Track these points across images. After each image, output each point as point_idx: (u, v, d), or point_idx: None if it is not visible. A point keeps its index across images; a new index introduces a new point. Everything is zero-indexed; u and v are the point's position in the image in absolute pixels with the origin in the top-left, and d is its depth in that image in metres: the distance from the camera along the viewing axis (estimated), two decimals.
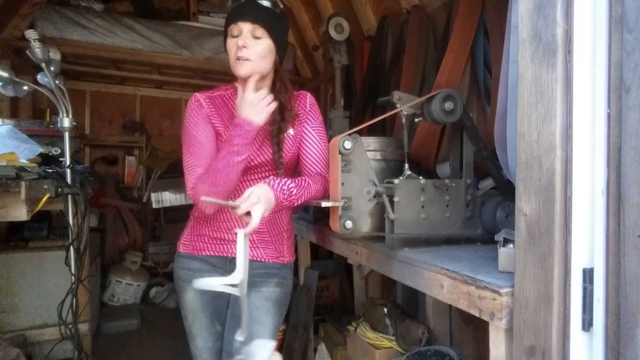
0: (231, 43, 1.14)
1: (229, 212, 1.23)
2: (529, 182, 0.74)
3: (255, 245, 1.25)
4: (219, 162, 1.09)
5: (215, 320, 1.27)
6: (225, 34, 1.17)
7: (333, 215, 1.15)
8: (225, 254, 1.26)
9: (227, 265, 1.26)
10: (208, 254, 1.26)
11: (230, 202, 1.00)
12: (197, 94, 1.23)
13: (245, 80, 1.14)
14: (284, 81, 1.22)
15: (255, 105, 1.10)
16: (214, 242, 1.26)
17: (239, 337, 0.97)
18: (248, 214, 0.99)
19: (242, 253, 0.92)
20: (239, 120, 1.10)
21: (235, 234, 1.24)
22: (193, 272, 1.25)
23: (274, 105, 1.13)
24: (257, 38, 1.13)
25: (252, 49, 1.12)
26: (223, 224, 1.25)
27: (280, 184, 1.09)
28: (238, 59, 1.12)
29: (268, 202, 1.03)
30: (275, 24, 1.15)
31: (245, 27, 1.12)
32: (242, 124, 1.09)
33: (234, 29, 1.13)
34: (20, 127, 1.99)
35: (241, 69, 1.13)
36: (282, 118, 1.19)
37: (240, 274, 0.91)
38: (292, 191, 1.11)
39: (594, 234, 0.67)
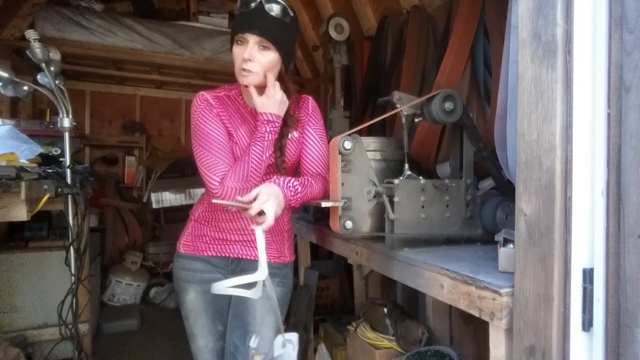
0: (237, 52, 1.13)
1: (231, 212, 1.23)
2: (529, 182, 0.74)
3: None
4: (253, 158, 1.10)
5: (216, 320, 1.28)
6: (232, 38, 1.16)
7: (333, 216, 1.15)
8: (227, 254, 1.26)
9: (228, 265, 1.27)
10: (210, 254, 1.26)
11: (243, 200, 1.00)
12: (203, 92, 1.21)
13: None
14: (287, 87, 1.21)
15: (281, 100, 1.13)
16: (216, 243, 1.26)
17: (252, 343, 0.97)
18: (260, 213, 0.99)
19: (263, 249, 0.92)
20: (268, 117, 1.12)
21: (243, 234, 1.23)
22: (194, 273, 1.25)
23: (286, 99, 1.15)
24: (263, 50, 1.11)
25: (257, 62, 1.11)
26: (225, 224, 1.25)
27: (286, 182, 1.11)
28: (243, 70, 1.11)
29: (277, 199, 1.04)
30: (283, 35, 1.13)
31: (251, 39, 1.10)
32: (274, 120, 1.12)
33: (240, 38, 1.11)
34: (20, 127, 1.99)
35: (244, 80, 1.13)
36: (284, 123, 1.19)
37: (264, 270, 0.90)
38: (297, 189, 1.12)
39: (594, 234, 0.67)
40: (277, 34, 1.11)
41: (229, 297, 1.28)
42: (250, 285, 0.92)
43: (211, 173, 1.12)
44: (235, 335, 1.23)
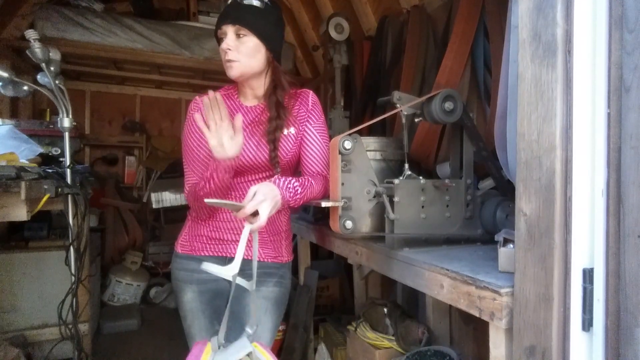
0: (220, 47, 1.16)
1: (228, 212, 1.23)
2: (529, 182, 0.74)
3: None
4: (203, 192, 1.11)
5: (214, 321, 1.26)
6: (217, 40, 1.19)
7: (333, 215, 1.15)
8: (224, 254, 1.25)
9: (225, 265, 1.25)
10: (207, 254, 1.25)
11: (236, 203, 0.99)
12: (197, 97, 1.23)
13: (235, 78, 1.17)
14: (280, 79, 1.22)
15: (230, 142, 1.03)
16: (213, 243, 1.25)
17: (250, 329, 0.98)
18: (255, 213, 0.97)
19: (242, 247, 0.91)
20: (224, 164, 1.06)
21: (240, 233, 1.20)
22: (191, 273, 1.25)
23: (239, 122, 1.04)
24: (240, 38, 1.13)
25: (236, 50, 1.13)
26: (222, 223, 1.24)
27: (286, 183, 1.09)
28: (227, 61, 1.14)
29: (274, 200, 1.02)
30: (258, 20, 1.14)
31: (228, 30, 1.13)
32: (225, 166, 1.06)
33: (220, 33, 1.15)
34: (20, 127, 1.99)
35: (230, 72, 1.15)
36: (277, 116, 1.18)
37: (236, 267, 0.90)
38: (298, 190, 1.11)
39: (594, 234, 0.67)
40: (251, 19, 1.13)
41: (227, 298, 1.27)
42: (247, 278, 0.96)
43: (185, 180, 1.23)
44: (231, 335, 1.21)
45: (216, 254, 1.25)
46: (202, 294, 1.25)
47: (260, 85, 1.22)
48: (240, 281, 0.94)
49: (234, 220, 1.23)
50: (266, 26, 1.16)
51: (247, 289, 0.97)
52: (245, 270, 1.14)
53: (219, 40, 1.17)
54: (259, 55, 1.16)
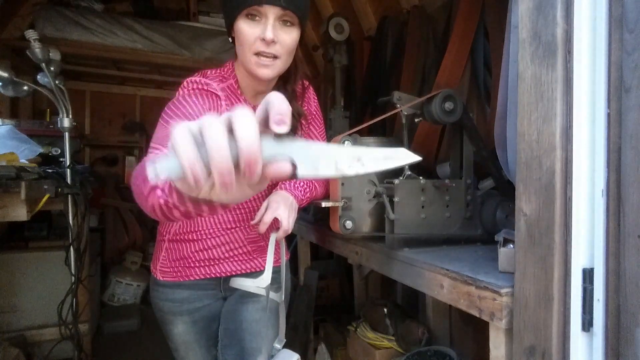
0: (250, 30, 0.86)
1: (216, 228, 1.08)
2: (529, 182, 0.74)
3: (252, 257, 1.14)
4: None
5: (211, 347, 1.14)
6: (232, 16, 0.89)
7: (333, 215, 1.15)
8: (218, 275, 1.09)
9: (221, 285, 1.13)
10: (197, 277, 1.08)
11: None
12: (196, 79, 0.93)
13: (266, 81, 0.92)
14: (298, 72, 1.04)
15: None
16: (202, 264, 1.08)
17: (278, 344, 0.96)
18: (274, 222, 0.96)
19: (271, 257, 0.90)
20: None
21: (233, 247, 1.12)
22: (180, 303, 1.08)
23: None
24: (286, 26, 0.88)
25: (279, 44, 0.87)
26: (210, 240, 1.07)
27: (292, 184, 1.07)
28: (258, 54, 0.88)
29: (287, 202, 0.99)
30: (305, 7, 0.91)
31: (271, 12, 0.85)
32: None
33: (255, 11, 0.86)
34: (20, 127, 1.99)
35: (265, 71, 0.89)
36: (292, 117, 1.01)
37: (268, 278, 0.88)
38: (305, 188, 1.09)
39: (594, 234, 0.67)
40: (301, 4, 0.88)
41: (219, 318, 1.15)
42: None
43: (149, 152, 0.72)
44: (228, 354, 1.08)
45: (208, 276, 1.09)
46: (195, 323, 1.10)
47: (273, 82, 1.02)
48: (271, 295, 0.93)
49: (223, 234, 1.08)
50: (307, 15, 0.93)
51: (277, 300, 0.95)
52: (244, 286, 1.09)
53: (241, 16, 0.87)
54: (294, 50, 0.93)
